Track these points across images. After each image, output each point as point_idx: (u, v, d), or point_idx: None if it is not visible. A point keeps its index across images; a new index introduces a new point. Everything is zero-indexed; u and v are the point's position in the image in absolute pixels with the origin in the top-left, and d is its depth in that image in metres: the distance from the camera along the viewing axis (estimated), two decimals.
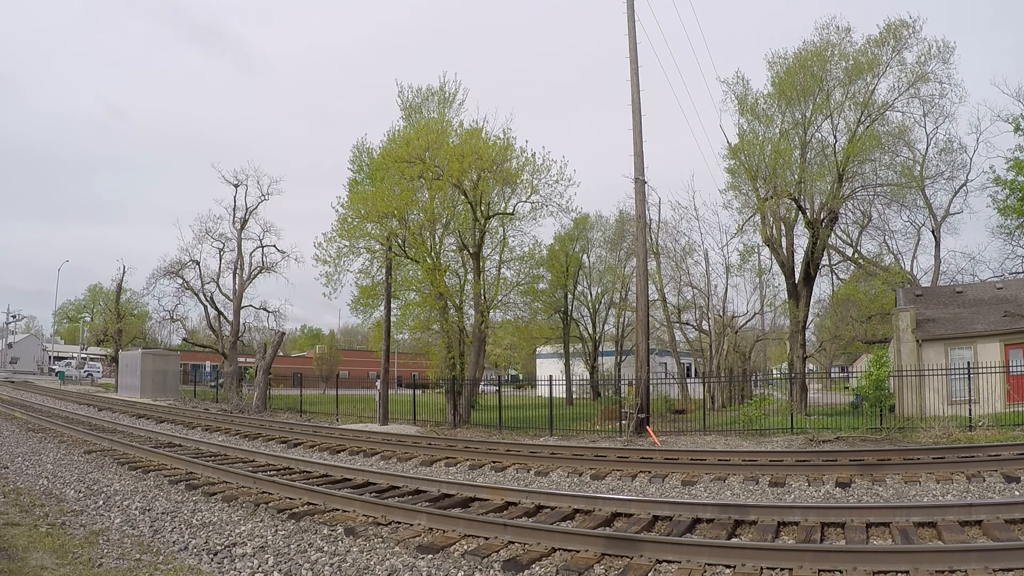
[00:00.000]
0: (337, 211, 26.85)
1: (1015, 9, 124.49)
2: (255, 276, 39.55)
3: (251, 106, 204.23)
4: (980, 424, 18.23)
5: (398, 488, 10.61)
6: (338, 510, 8.92)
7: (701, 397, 26.76)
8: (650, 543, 6.79)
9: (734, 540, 7.32)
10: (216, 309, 40.11)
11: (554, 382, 23.25)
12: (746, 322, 40.09)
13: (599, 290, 45.92)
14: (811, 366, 36.07)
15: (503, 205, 26.93)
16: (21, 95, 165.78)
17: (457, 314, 26.50)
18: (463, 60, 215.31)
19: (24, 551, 6.79)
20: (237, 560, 6.76)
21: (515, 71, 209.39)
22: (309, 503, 9.32)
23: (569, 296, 43.25)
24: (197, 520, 8.47)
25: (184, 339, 51.69)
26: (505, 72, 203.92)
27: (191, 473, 11.80)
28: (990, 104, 72.86)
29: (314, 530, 7.99)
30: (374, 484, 10.94)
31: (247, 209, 39.33)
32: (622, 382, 28.00)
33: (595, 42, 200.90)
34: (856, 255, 35.08)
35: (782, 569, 6.17)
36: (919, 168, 32.77)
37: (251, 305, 40.25)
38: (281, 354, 57.43)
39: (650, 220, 32.32)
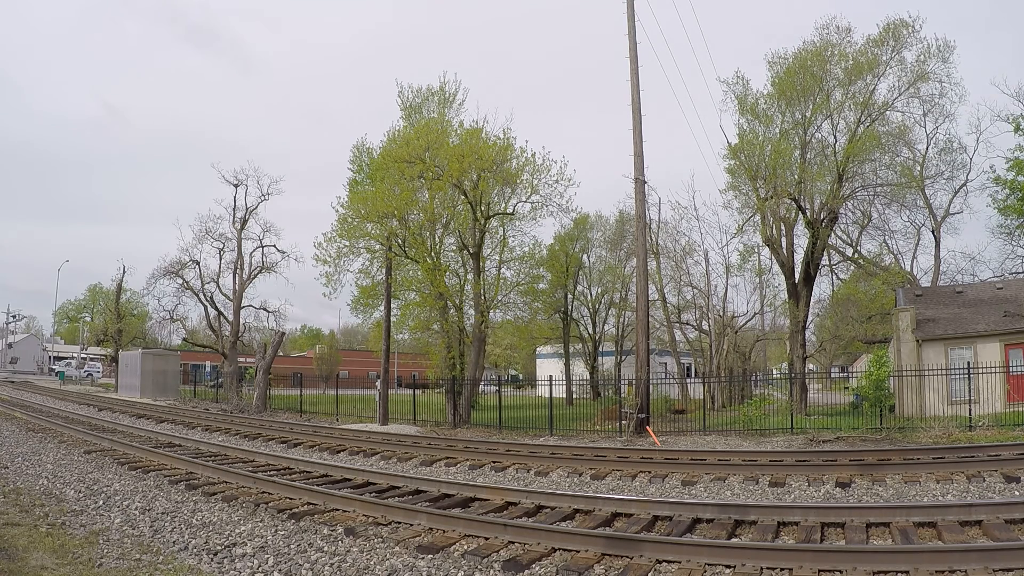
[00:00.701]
0: (337, 211, 26.93)
1: (1015, 9, 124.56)
2: (255, 276, 39.63)
3: (251, 106, 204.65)
4: (980, 424, 18.22)
5: (398, 488, 10.61)
6: (338, 510, 8.92)
7: (701, 397, 26.77)
8: (650, 543, 6.79)
9: (734, 540, 7.32)
10: (216, 309, 40.15)
11: (554, 382, 23.24)
12: (746, 322, 40.12)
13: (599, 290, 45.93)
14: (811, 366, 36.07)
15: (503, 205, 26.94)
16: (20, 96, 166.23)
17: (457, 314, 26.50)
18: (463, 60, 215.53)
19: (24, 551, 6.79)
20: (237, 560, 6.76)
21: (515, 71, 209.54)
22: (309, 503, 9.31)
23: (569, 296, 43.24)
24: (197, 520, 8.47)
25: (184, 339, 51.71)
26: (505, 72, 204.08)
27: (191, 473, 11.80)
28: (990, 104, 73.00)
29: (314, 530, 7.98)
30: (374, 484, 10.93)
31: (247, 209, 39.47)
32: (622, 382, 28.01)
33: (595, 42, 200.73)
34: (856, 255, 35.09)
35: (782, 569, 6.16)
36: (919, 168, 32.77)
37: (251, 305, 40.36)
38: (281, 354, 57.40)
39: (650, 220, 32.33)
